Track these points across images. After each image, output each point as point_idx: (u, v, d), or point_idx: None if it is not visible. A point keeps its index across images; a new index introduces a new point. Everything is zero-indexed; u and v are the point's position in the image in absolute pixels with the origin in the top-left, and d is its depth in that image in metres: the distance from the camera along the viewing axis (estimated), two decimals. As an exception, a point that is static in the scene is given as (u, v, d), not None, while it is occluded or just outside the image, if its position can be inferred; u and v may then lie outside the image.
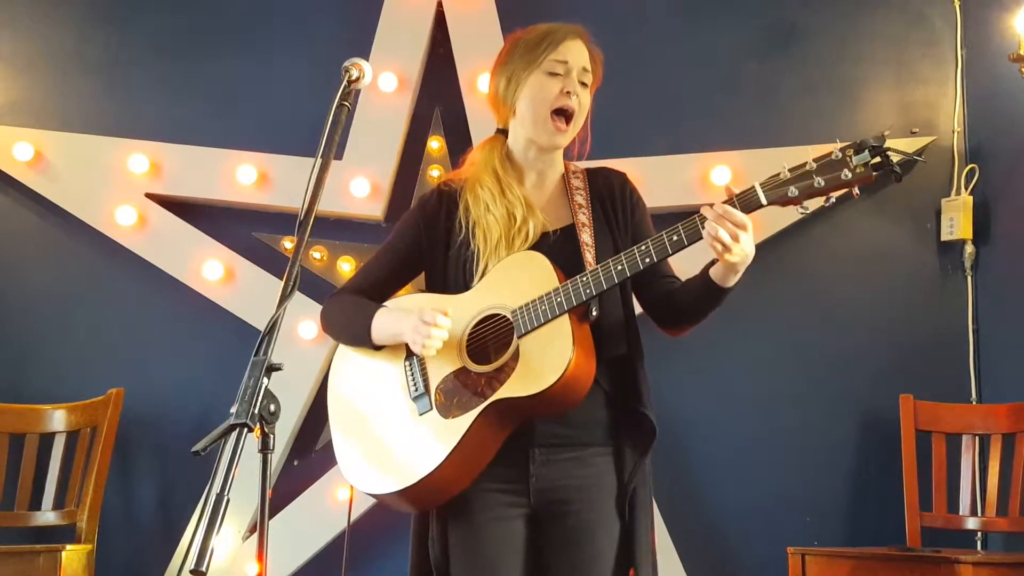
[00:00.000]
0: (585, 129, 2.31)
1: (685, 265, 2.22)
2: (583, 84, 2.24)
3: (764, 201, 1.99)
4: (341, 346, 2.33)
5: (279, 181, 3.74)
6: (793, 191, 1.97)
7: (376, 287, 2.32)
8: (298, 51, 3.84)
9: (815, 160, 1.97)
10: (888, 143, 1.96)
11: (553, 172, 2.31)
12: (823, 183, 1.96)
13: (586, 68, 2.24)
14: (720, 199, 2.02)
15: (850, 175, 1.94)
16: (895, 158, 1.94)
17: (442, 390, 2.14)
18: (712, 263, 2.10)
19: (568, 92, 2.20)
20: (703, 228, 1.99)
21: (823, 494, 3.66)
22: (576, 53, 2.23)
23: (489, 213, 2.21)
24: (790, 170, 1.98)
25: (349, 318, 2.28)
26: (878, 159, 1.93)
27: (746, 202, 2.00)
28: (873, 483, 3.64)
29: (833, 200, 1.99)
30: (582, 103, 2.23)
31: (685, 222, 2.03)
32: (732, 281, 2.08)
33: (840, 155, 1.96)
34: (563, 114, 2.21)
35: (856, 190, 1.97)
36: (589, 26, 2.33)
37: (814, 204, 2.01)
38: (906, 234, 3.74)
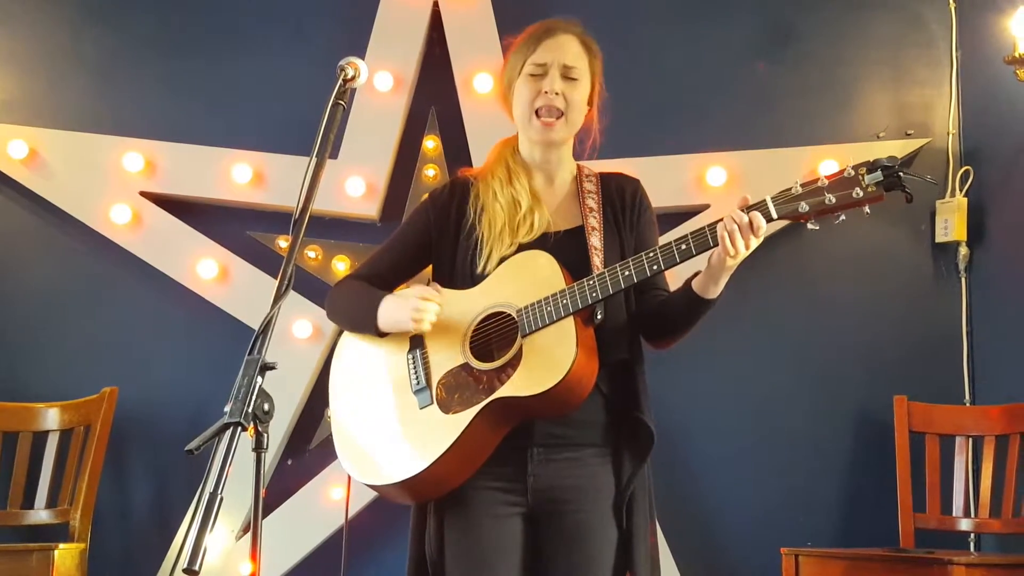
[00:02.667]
0: (589, 129, 2.31)
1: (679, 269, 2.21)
2: (570, 79, 2.22)
3: (774, 215, 2.00)
4: (345, 334, 2.33)
5: (274, 180, 3.73)
6: (804, 207, 1.98)
7: (383, 276, 2.32)
8: (294, 50, 3.84)
9: (827, 177, 1.98)
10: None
11: (563, 173, 2.31)
12: (834, 200, 1.97)
13: (568, 64, 2.22)
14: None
15: (861, 193, 1.95)
16: (907, 179, 1.95)
17: (444, 385, 2.14)
18: (694, 276, 2.11)
19: (545, 92, 2.20)
20: (717, 230, 1.99)
21: (817, 495, 3.67)
22: (555, 50, 2.23)
23: (496, 201, 2.23)
24: (802, 185, 2.00)
25: (355, 304, 2.28)
26: (890, 179, 1.93)
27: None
28: (867, 484, 3.65)
29: (843, 218, 1.99)
30: (568, 98, 2.21)
31: (694, 232, 2.04)
32: (714, 293, 2.09)
33: (852, 173, 1.96)
34: (546, 119, 2.21)
35: (867, 208, 1.97)
36: (585, 27, 2.32)
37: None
38: (900, 236, 3.74)
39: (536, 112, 2.21)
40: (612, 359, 2.17)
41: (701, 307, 2.12)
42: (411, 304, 2.15)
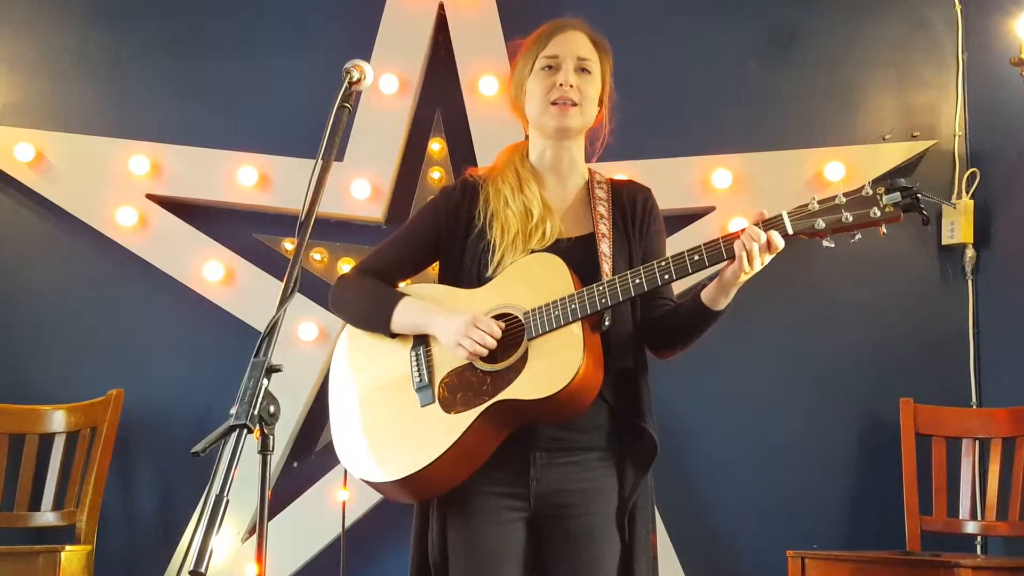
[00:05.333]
0: (600, 129, 2.31)
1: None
2: (584, 71, 2.23)
3: (790, 230, 2.00)
4: (348, 328, 2.31)
5: (280, 182, 3.74)
6: (820, 223, 1.99)
7: (390, 272, 2.30)
8: (299, 52, 3.84)
9: (845, 195, 1.98)
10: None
11: (575, 177, 2.30)
12: (851, 219, 1.97)
13: (582, 56, 2.23)
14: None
15: (879, 213, 1.95)
16: (926, 201, 1.95)
17: (446, 384, 2.13)
18: (702, 287, 2.11)
19: (560, 84, 2.20)
20: (734, 245, 1.99)
21: (823, 497, 3.66)
22: (566, 44, 2.23)
23: (508, 208, 2.21)
24: (819, 202, 2.00)
25: (367, 301, 2.25)
26: (909, 200, 1.93)
27: (772, 229, 2.00)
28: (873, 487, 3.64)
29: (859, 236, 1.99)
30: (583, 91, 2.22)
31: (708, 244, 2.03)
32: (723, 304, 2.10)
33: (871, 192, 1.96)
34: (561, 104, 2.21)
35: (883, 228, 1.97)
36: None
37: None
38: (907, 238, 3.73)
39: (552, 103, 2.20)
40: (617, 367, 2.16)
41: (709, 318, 2.12)
42: (470, 333, 2.08)
